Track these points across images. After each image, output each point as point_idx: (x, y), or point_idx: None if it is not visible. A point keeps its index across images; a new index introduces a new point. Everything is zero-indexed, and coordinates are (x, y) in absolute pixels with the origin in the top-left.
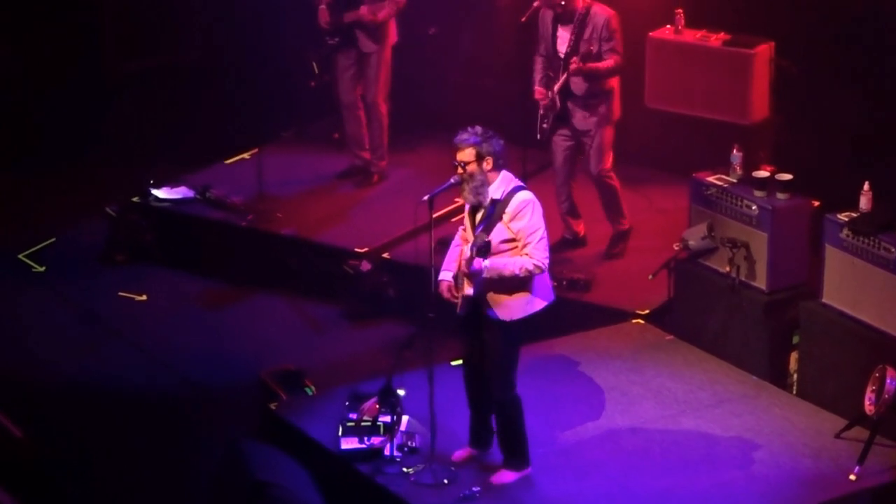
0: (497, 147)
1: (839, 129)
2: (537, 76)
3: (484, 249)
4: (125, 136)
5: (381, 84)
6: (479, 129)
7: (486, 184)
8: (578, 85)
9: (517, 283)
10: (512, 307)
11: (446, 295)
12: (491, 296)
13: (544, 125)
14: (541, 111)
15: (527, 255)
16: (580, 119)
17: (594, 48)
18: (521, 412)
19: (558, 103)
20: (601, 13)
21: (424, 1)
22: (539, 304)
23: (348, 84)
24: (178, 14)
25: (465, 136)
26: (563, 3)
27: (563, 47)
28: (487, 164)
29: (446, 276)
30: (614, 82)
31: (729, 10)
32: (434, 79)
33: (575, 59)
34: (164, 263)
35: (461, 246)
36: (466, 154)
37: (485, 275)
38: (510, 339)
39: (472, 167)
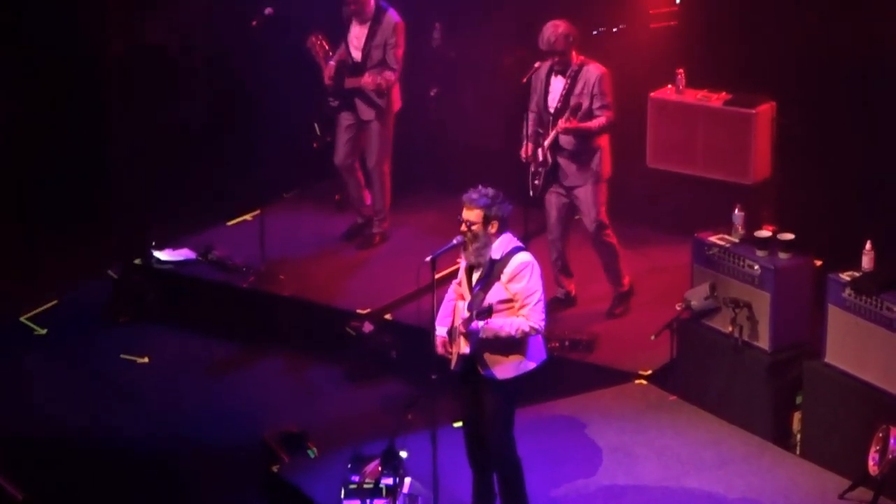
0: (505, 212)
1: (841, 187)
2: (527, 132)
3: (485, 313)
4: (127, 198)
5: (381, 152)
6: (490, 191)
7: (489, 245)
8: (568, 140)
9: (512, 344)
10: (506, 366)
11: (440, 350)
12: (486, 355)
13: (536, 182)
14: (532, 168)
15: (523, 316)
16: (570, 175)
17: (585, 103)
18: (521, 473)
19: (549, 159)
20: (594, 70)
21: (426, 62)
22: (532, 364)
23: (345, 148)
24: (180, 74)
25: (475, 196)
26: (558, 57)
27: (553, 102)
28: (493, 227)
29: (441, 331)
30: (604, 140)
31: (730, 70)
32: (435, 139)
33: (562, 119)
34: (166, 324)
35: (455, 301)
36: (474, 215)
37: (481, 335)
38: (505, 398)
39: (476, 228)
